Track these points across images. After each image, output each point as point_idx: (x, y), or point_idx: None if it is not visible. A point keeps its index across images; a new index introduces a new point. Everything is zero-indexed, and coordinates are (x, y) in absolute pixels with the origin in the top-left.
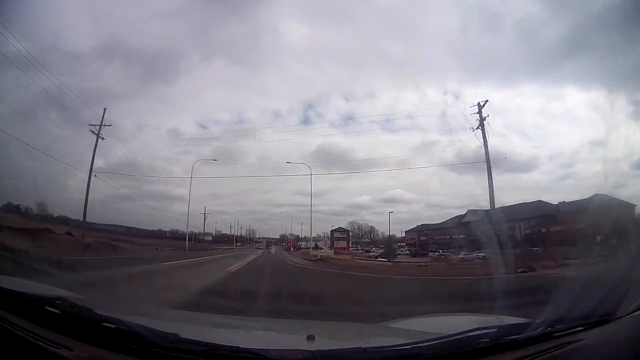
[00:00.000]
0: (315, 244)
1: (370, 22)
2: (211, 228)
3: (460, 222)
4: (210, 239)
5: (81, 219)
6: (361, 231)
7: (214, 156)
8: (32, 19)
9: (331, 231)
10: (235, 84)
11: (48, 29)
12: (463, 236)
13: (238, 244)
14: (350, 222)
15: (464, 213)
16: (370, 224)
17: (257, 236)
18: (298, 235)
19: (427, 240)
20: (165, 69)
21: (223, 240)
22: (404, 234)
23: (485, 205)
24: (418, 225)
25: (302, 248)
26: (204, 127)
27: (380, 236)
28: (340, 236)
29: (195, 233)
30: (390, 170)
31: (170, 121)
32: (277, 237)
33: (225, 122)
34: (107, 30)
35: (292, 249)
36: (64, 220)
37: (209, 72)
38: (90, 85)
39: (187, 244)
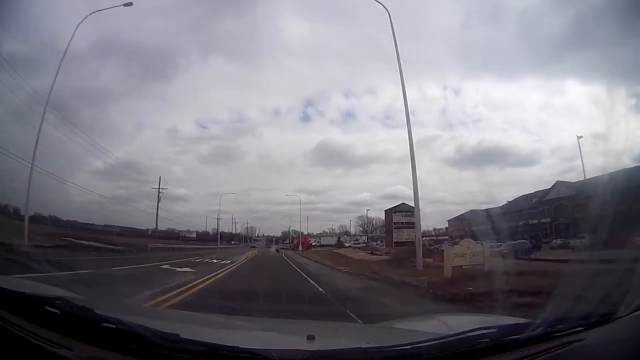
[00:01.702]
0: (339, 238)
1: (369, 16)
2: (207, 227)
3: (543, 201)
4: (194, 236)
5: None
6: (372, 226)
7: (214, 156)
8: (27, 17)
9: (385, 211)
10: (235, 82)
11: (44, 28)
12: (548, 220)
13: (234, 242)
14: (358, 217)
15: (532, 193)
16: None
17: (257, 234)
18: (302, 232)
19: (482, 229)
20: (163, 66)
21: (215, 238)
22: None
23: (489, 202)
24: (464, 213)
25: (315, 246)
26: (203, 127)
27: None
28: (405, 220)
29: (193, 231)
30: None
31: (170, 120)
32: (279, 234)
33: (224, 121)
34: (103, 28)
35: (300, 247)
36: None
37: (208, 70)
38: (87, 85)
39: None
